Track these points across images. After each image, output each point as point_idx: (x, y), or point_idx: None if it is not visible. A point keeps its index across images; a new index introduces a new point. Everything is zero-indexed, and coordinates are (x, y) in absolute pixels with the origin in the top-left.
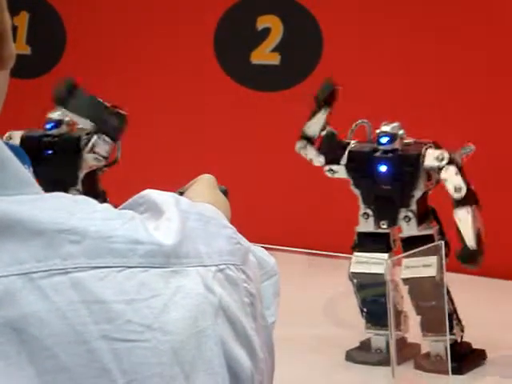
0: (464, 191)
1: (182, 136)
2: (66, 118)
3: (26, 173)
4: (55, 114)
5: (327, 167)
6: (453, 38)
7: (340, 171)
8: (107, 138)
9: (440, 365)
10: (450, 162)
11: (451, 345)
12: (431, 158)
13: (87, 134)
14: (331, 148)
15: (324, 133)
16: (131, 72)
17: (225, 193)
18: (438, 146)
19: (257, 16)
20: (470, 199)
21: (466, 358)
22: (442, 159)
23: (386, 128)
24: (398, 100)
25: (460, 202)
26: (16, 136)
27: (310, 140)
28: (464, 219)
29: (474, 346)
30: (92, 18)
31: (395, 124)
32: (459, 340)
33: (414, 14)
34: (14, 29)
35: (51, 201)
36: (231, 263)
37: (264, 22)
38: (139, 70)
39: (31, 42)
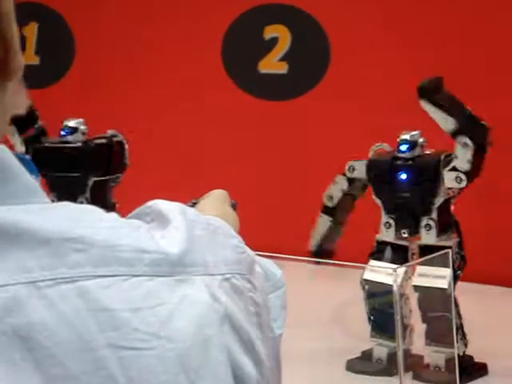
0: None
1: (189, 145)
2: (82, 126)
3: (33, 182)
4: (71, 122)
5: (349, 164)
6: (463, 44)
7: (360, 169)
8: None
9: (439, 376)
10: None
11: (452, 358)
12: (450, 179)
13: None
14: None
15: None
16: (140, 82)
17: (233, 207)
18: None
19: (264, 25)
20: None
21: (466, 370)
22: (461, 181)
23: (405, 136)
24: (408, 107)
25: None
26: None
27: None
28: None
29: (477, 356)
30: (101, 28)
31: (415, 132)
32: (461, 354)
33: (423, 21)
34: (23, 39)
35: (58, 210)
36: (237, 272)
37: (271, 31)
38: (148, 79)
39: (40, 52)
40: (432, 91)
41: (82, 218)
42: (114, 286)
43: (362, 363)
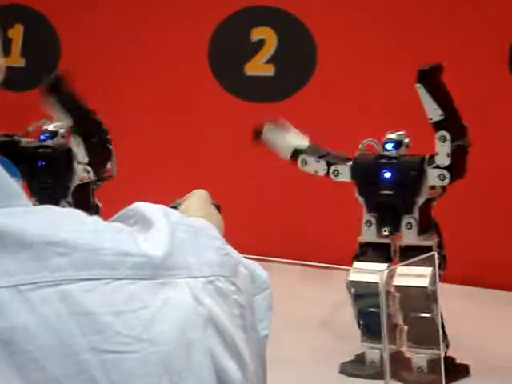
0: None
1: (176, 147)
2: (61, 130)
3: (15, 185)
4: (51, 126)
5: (332, 168)
6: (452, 48)
7: (344, 173)
8: (79, 139)
9: (422, 378)
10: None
11: (434, 359)
12: (433, 176)
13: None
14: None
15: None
16: (125, 84)
17: (217, 208)
18: None
19: (251, 28)
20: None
21: (448, 372)
22: (444, 178)
23: (391, 135)
24: (393, 111)
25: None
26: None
27: (301, 151)
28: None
29: (460, 358)
30: (86, 31)
31: (401, 132)
32: (443, 355)
33: (410, 23)
34: (9, 41)
35: (41, 213)
36: (221, 275)
37: (258, 33)
38: (133, 81)
39: (26, 54)
40: (430, 78)
41: (65, 222)
42: (96, 290)
43: (355, 366)
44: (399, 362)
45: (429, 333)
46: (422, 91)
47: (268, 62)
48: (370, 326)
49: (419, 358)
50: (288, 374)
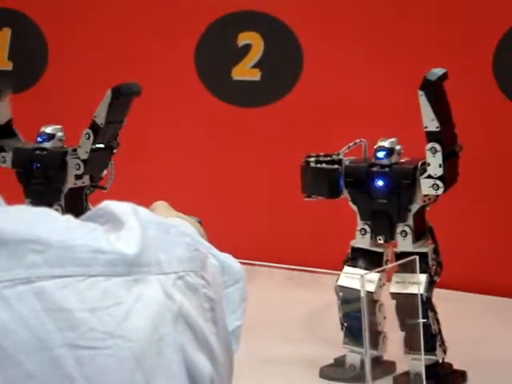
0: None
1: (161, 152)
2: (59, 133)
3: None
4: (48, 128)
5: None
6: (443, 53)
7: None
8: (91, 134)
9: (419, 383)
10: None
11: (432, 365)
12: (426, 186)
13: (74, 150)
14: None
15: None
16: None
17: (199, 223)
18: None
19: (237, 33)
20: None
21: (445, 378)
22: (438, 188)
23: (383, 143)
24: (382, 115)
25: None
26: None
27: None
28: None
29: (458, 366)
30: (74, 34)
31: (392, 139)
32: (440, 361)
33: (398, 31)
34: None
35: (15, 212)
36: (190, 270)
37: (245, 38)
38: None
39: (13, 58)
40: (434, 88)
41: (39, 220)
42: (70, 287)
43: (335, 370)
44: (379, 367)
45: (425, 339)
46: (422, 99)
47: (254, 66)
48: (353, 330)
49: (416, 364)
50: (268, 376)
